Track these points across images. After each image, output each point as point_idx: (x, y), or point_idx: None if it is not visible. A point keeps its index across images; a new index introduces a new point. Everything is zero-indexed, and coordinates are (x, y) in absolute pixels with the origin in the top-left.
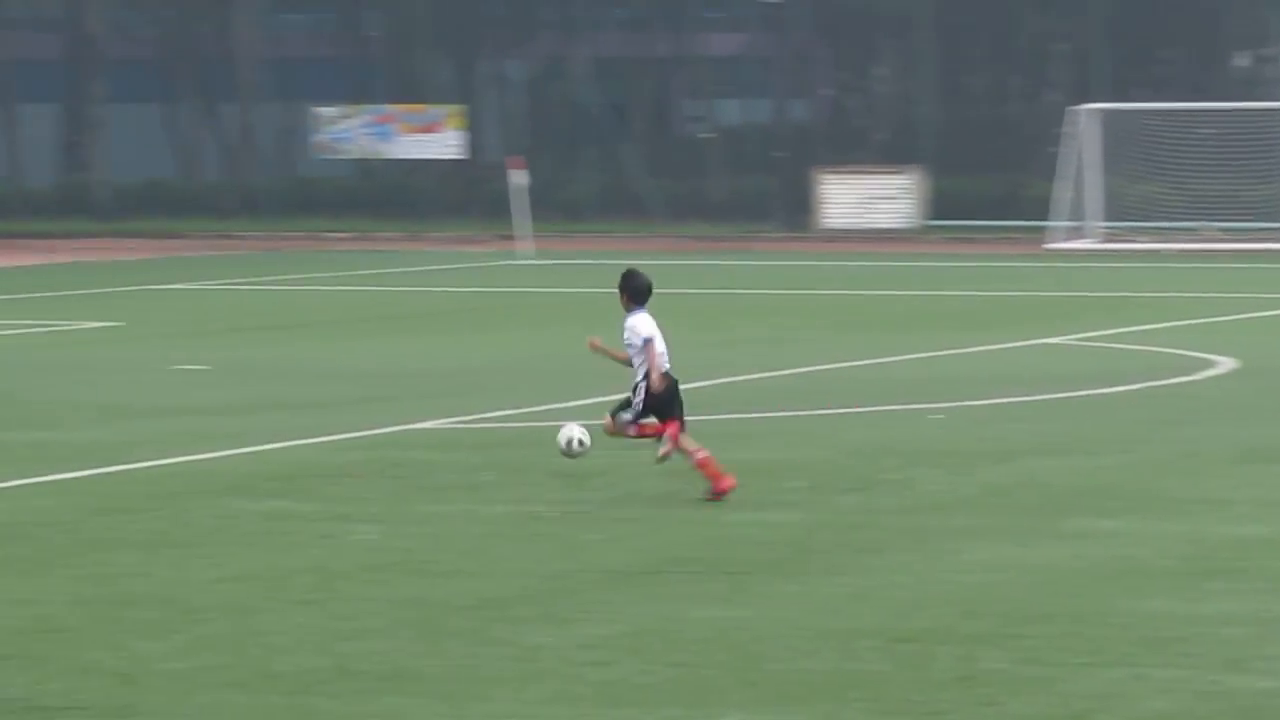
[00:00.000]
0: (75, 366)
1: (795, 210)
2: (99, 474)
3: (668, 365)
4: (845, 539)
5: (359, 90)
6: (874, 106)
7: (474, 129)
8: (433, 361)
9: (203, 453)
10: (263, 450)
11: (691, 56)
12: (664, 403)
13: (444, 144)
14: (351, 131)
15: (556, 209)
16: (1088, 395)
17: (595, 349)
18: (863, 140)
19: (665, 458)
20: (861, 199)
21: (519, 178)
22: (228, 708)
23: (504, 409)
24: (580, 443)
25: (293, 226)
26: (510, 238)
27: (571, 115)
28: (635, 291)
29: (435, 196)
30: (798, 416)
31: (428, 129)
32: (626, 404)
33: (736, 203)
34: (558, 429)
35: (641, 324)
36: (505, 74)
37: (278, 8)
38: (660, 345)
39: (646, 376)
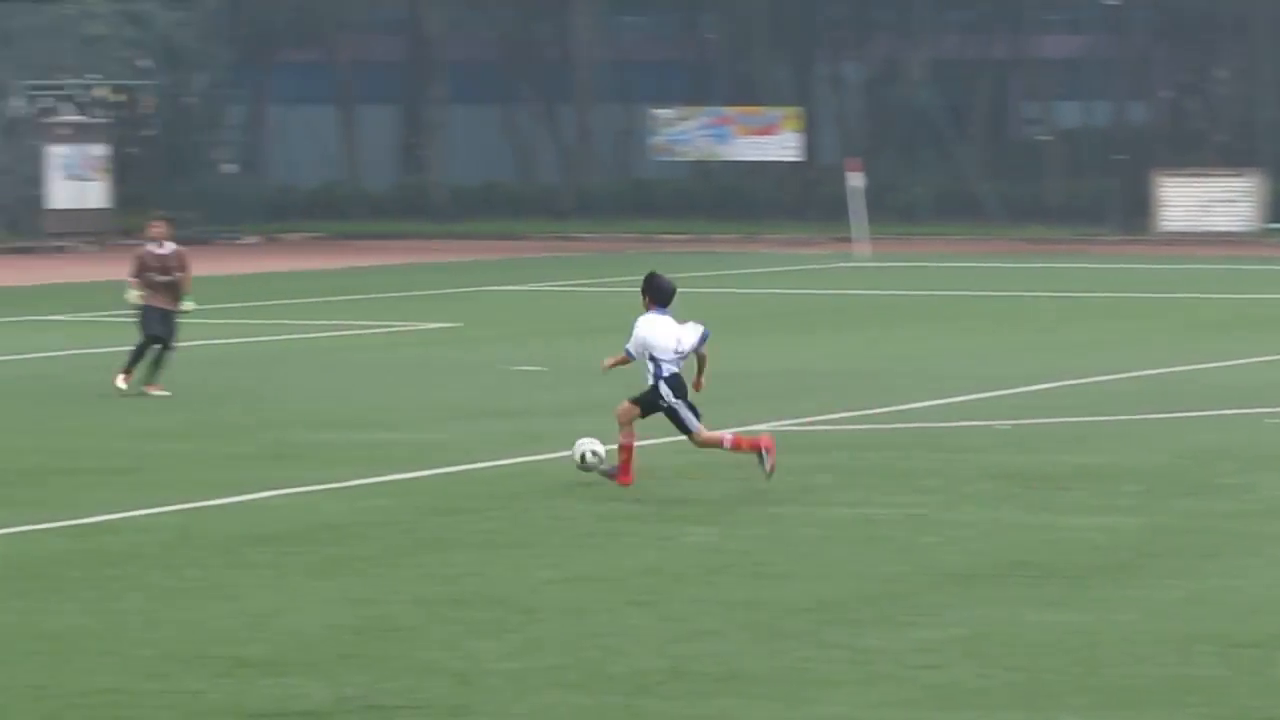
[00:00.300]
0: (413, 367)
1: (1133, 213)
2: (437, 474)
3: (681, 365)
4: (1182, 543)
5: (696, 92)
6: (1214, 108)
7: (811, 131)
8: (768, 363)
9: (540, 454)
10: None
11: (1029, 58)
12: (684, 394)
13: (781, 146)
14: (689, 133)
15: (893, 211)
16: None
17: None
18: (1202, 142)
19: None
20: (1200, 202)
21: (856, 180)
22: (563, 708)
23: (840, 411)
24: (594, 453)
25: (629, 228)
26: (847, 240)
27: (908, 117)
28: (658, 293)
29: (772, 198)
30: (1136, 420)
31: (765, 131)
32: (677, 415)
33: (1074, 205)
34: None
35: (639, 329)
36: (842, 76)
37: (616, 10)
38: (670, 344)
39: (656, 380)
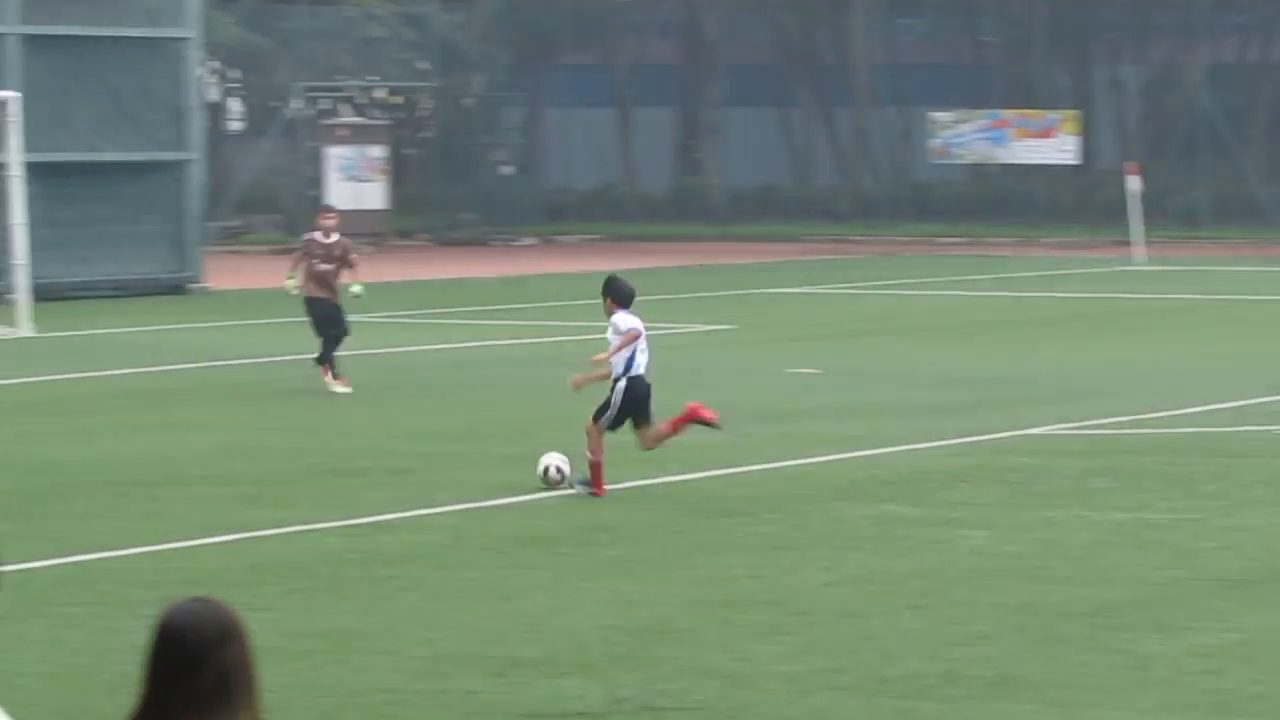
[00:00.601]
0: (689, 369)
1: None
2: (713, 475)
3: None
4: None
5: (974, 95)
6: None
7: (1088, 134)
8: (1044, 366)
9: (815, 456)
10: (875, 454)
11: None
12: (638, 405)
13: (1058, 149)
14: (966, 136)
15: (1171, 215)
16: None
17: (578, 385)
18: None
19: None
20: None
21: (1134, 183)
22: (839, 711)
23: (1116, 415)
24: (558, 469)
25: (906, 231)
26: (1125, 243)
27: (1188, 120)
28: (620, 295)
29: (1048, 202)
30: None
31: (1042, 134)
32: (606, 406)
33: None
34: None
35: (624, 320)
36: (1121, 78)
37: (894, 12)
38: (642, 345)
39: (625, 375)
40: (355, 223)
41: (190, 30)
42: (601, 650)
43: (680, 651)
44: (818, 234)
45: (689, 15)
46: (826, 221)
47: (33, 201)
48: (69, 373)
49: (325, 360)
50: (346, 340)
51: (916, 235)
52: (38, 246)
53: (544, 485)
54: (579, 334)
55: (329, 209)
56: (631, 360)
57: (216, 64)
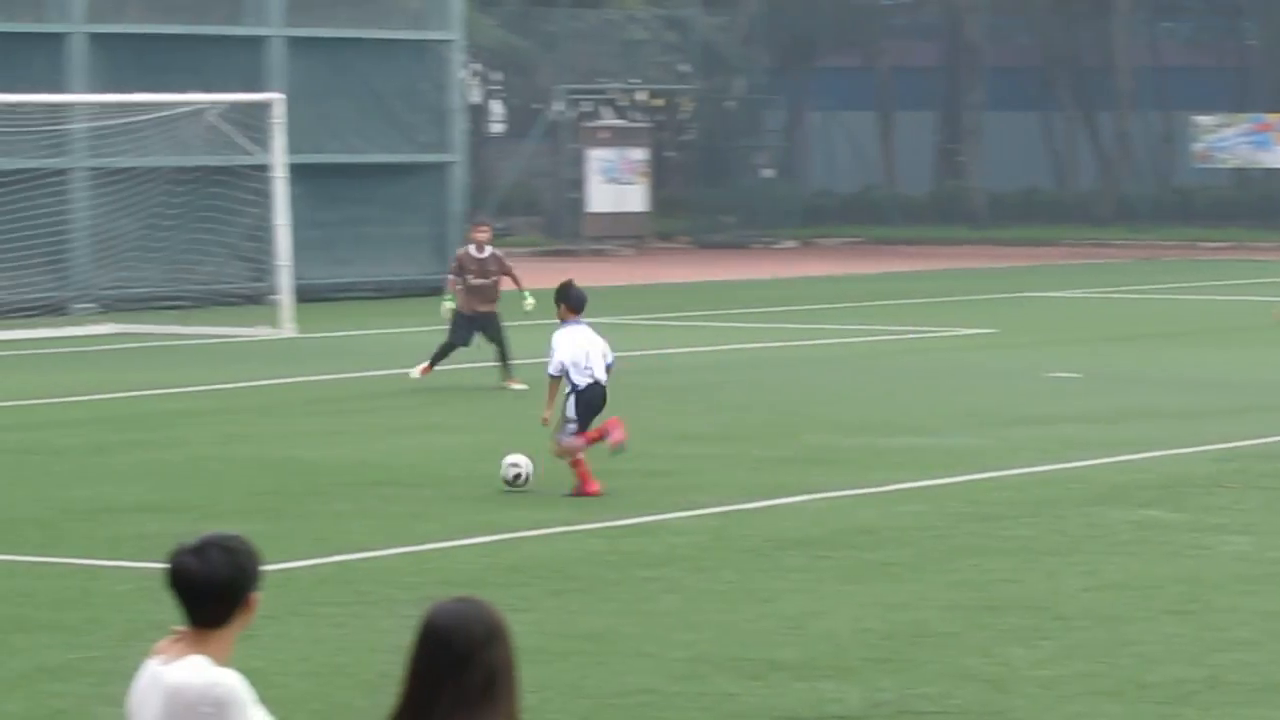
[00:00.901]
0: (948, 372)
1: None
2: (972, 479)
3: (602, 376)
4: None
5: (1238, 98)
6: None
7: None
8: None
9: (1075, 460)
10: (1135, 459)
11: None
12: (595, 411)
13: None
14: (1230, 140)
15: None
16: None
17: (548, 421)
18: None
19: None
20: None
21: None
22: (1098, 717)
23: None
24: (517, 476)
25: (1168, 235)
26: None
27: None
28: (573, 301)
29: None
30: None
31: None
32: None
33: None
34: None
35: (558, 344)
36: None
37: (1157, 16)
38: (580, 358)
39: (573, 390)
40: (616, 225)
41: (453, 33)
42: (860, 653)
43: (938, 655)
44: (1078, 238)
45: (950, 18)
46: (1087, 225)
47: (296, 203)
48: (330, 373)
49: (439, 358)
50: (500, 350)
51: (1178, 239)
52: (300, 247)
53: (506, 486)
54: (839, 337)
55: (481, 223)
56: (571, 383)
57: (479, 66)
